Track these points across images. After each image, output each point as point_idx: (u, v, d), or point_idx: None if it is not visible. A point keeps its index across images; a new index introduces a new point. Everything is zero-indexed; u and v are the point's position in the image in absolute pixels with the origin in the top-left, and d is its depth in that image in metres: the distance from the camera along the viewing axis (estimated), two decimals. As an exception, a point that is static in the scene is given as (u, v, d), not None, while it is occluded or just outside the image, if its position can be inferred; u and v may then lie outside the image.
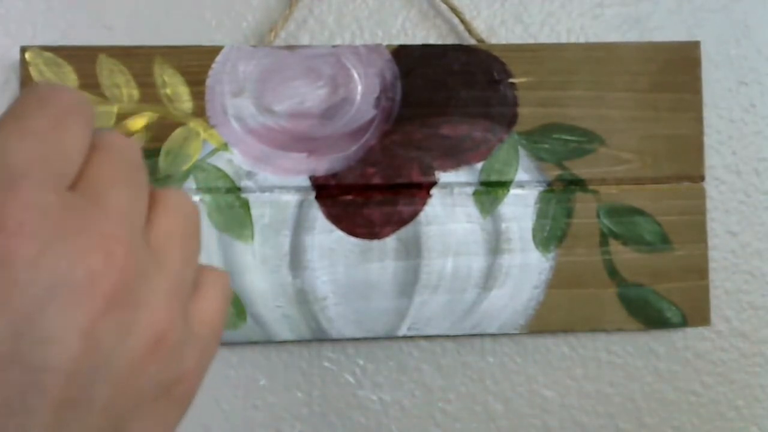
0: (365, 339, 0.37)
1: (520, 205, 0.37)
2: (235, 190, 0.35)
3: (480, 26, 0.39)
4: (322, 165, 0.36)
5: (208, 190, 0.35)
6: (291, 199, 0.36)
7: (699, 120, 0.37)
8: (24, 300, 0.15)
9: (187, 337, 0.19)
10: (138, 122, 0.34)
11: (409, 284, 0.36)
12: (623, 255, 0.37)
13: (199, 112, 0.35)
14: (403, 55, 0.36)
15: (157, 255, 0.19)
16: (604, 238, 0.37)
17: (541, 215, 0.37)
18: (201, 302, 0.21)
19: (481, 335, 0.38)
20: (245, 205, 0.35)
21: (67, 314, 0.16)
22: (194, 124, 0.35)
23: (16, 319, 0.15)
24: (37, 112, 0.18)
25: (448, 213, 0.36)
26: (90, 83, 0.35)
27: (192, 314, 0.20)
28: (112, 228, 0.17)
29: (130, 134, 0.33)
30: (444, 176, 0.36)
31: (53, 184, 0.17)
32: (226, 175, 0.35)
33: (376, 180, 0.36)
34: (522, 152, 0.37)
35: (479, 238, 0.36)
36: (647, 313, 0.37)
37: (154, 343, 0.18)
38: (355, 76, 0.36)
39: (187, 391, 0.20)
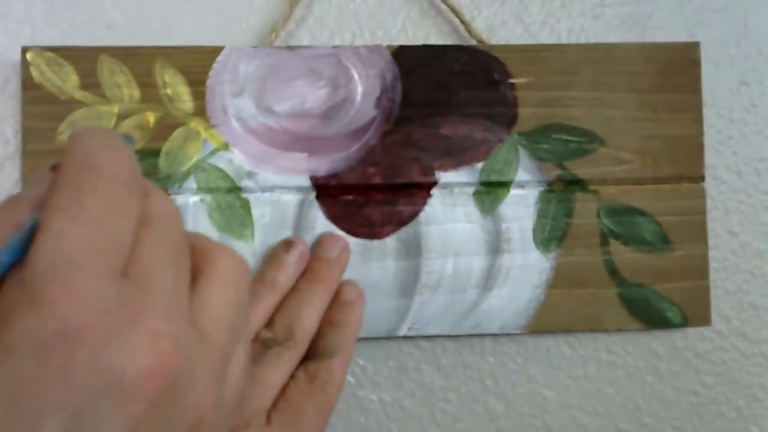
0: (365, 339, 0.37)
1: (521, 205, 0.37)
2: (235, 190, 0.35)
3: (480, 26, 0.39)
4: (323, 165, 0.36)
5: (209, 190, 0.35)
6: (291, 199, 0.36)
7: (699, 120, 0.37)
8: (79, 400, 0.16)
9: (221, 411, 0.19)
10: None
11: (409, 284, 0.36)
12: (624, 255, 0.37)
13: (200, 112, 0.35)
14: (403, 55, 0.36)
15: (203, 337, 0.19)
16: (605, 238, 0.37)
17: (541, 215, 0.37)
18: (231, 370, 0.21)
19: (482, 335, 0.38)
20: (246, 205, 0.35)
21: (118, 413, 0.16)
22: (195, 124, 0.35)
23: (68, 416, 0.16)
24: (93, 191, 0.17)
25: (449, 213, 0.36)
26: (91, 83, 0.35)
27: (225, 385, 0.20)
28: (161, 322, 0.17)
29: (148, 128, 0.33)
30: (444, 176, 0.36)
31: (109, 275, 0.17)
32: (226, 175, 0.35)
33: (377, 180, 0.36)
34: (522, 152, 0.37)
35: (479, 238, 0.36)
36: (648, 313, 0.37)
37: (192, 428, 0.18)
38: (356, 76, 0.36)
39: None
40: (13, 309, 0.16)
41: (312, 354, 0.33)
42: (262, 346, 0.31)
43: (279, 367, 0.31)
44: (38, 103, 0.34)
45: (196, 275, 0.20)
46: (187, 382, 0.18)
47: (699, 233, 0.37)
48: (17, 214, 0.18)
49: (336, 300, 0.34)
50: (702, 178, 0.37)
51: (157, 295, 0.18)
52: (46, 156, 0.34)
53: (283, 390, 0.31)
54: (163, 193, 0.20)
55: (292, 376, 0.32)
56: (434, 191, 0.36)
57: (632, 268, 0.37)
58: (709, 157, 0.39)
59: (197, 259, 0.20)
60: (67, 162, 0.18)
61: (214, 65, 0.36)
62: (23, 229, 0.17)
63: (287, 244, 0.34)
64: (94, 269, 0.16)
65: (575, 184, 0.37)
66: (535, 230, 0.37)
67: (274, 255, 0.34)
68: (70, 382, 0.16)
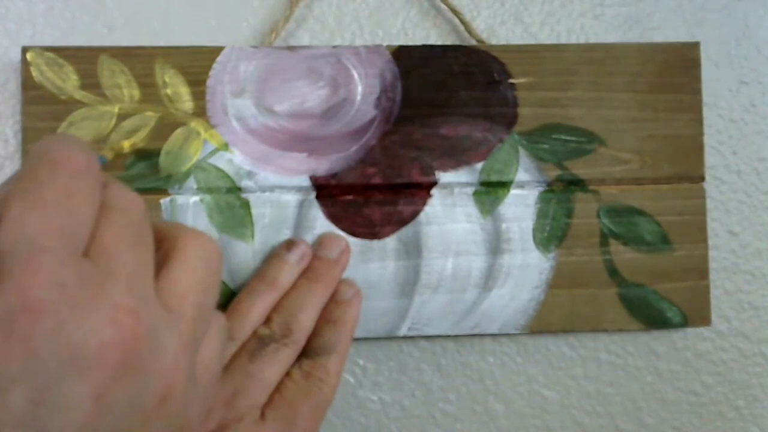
0: (365, 339, 0.37)
1: (521, 205, 0.37)
2: (235, 190, 0.35)
3: (480, 26, 0.39)
4: (323, 165, 0.36)
5: (209, 190, 0.35)
6: (291, 199, 0.36)
7: (699, 120, 0.37)
8: (42, 371, 0.17)
9: (191, 387, 0.20)
10: (126, 144, 0.34)
11: (409, 284, 0.36)
12: (623, 255, 0.37)
13: (200, 112, 0.35)
14: (403, 55, 0.36)
15: (169, 312, 0.20)
16: (605, 238, 0.37)
17: (541, 215, 0.37)
18: (203, 350, 0.21)
19: (481, 335, 0.38)
20: (246, 205, 0.35)
21: (81, 383, 0.17)
22: (195, 124, 0.35)
23: (34, 389, 0.16)
24: (50, 180, 0.18)
25: (449, 213, 0.36)
26: (91, 83, 0.35)
27: (197, 363, 0.21)
28: (121, 297, 0.18)
29: (121, 153, 0.34)
30: (444, 176, 0.36)
31: (69, 255, 0.18)
32: (226, 175, 0.35)
33: (377, 180, 0.36)
34: (522, 152, 0.37)
35: (479, 238, 0.36)
36: (647, 313, 0.37)
37: (162, 399, 0.19)
38: (356, 76, 0.36)
39: None
40: None
41: (308, 352, 0.33)
42: (259, 342, 0.32)
43: (275, 364, 0.31)
44: (38, 103, 0.34)
45: (165, 258, 0.21)
46: (152, 351, 0.18)
47: (699, 233, 0.37)
48: None
49: (333, 298, 0.34)
50: (702, 178, 0.37)
51: (118, 273, 0.18)
52: (46, 156, 0.34)
53: (279, 387, 0.32)
54: (123, 185, 0.21)
55: (288, 374, 0.32)
56: (434, 191, 0.36)
57: (632, 268, 0.37)
58: (709, 157, 0.39)
59: (167, 243, 0.21)
60: (28, 158, 0.19)
61: (214, 65, 0.36)
62: None
63: (289, 244, 0.34)
64: (55, 248, 0.17)
65: (575, 184, 0.37)
66: (535, 230, 0.37)
67: (275, 254, 0.35)
68: (33, 354, 0.16)
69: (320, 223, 0.36)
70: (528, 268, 0.36)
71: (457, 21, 0.38)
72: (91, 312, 0.17)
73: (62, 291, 0.17)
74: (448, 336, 0.37)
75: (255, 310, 0.32)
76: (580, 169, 0.37)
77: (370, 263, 0.36)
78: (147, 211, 0.21)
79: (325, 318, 0.33)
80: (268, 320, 0.32)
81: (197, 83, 0.35)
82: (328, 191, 0.36)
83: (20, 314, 0.16)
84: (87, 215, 0.19)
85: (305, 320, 0.33)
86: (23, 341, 0.16)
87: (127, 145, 0.34)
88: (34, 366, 0.16)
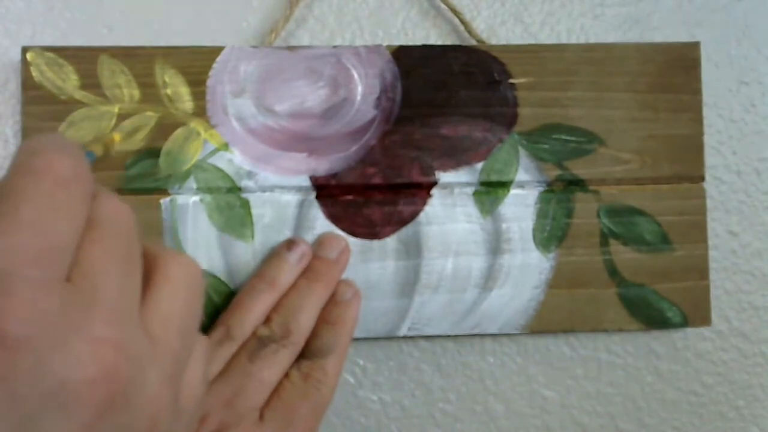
0: (365, 339, 0.37)
1: (521, 205, 0.37)
2: (235, 190, 0.35)
3: (480, 26, 0.39)
4: (323, 165, 0.36)
5: (209, 190, 0.35)
6: (291, 198, 0.36)
7: (699, 120, 0.37)
8: (23, 409, 0.16)
9: (176, 415, 0.19)
10: (116, 137, 0.33)
11: (409, 284, 0.36)
12: (623, 255, 0.37)
13: (200, 112, 0.35)
14: (403, 55, 0.36)
15: (153, 340, 0.19)
16: (605, 238, 0.37)
17: (541, 215, 0.37)
18: (187, 375, 0.21)
19: (481, 335, 0.38)
20: (246, 204, 0.35)
21: (64, 421, 0.16)
22: (195, 124, 0.35)
23: (15, 426, 0.16)
24: (32, 195, 0.17)
25: (449, 213, 0.36)
26: (91, 83, 0.35)
27: (181, 389, 0.20)
28: (105, 329, 0.17)
29: (112, 146, 0.32)
30: (444, 176, 0.36)
31: (50, 283, 0.17)
32: (226, 175, 0.35)
33: (377, 180, 0.36)
34: (522, 152, 0.37)
35: (479, 238, 0.36)
36: (647, 313, 0.37)
37: (147, 430, 0.18)
38: (356, 76, 0.36)
39: None
40: None
41: (306, 353, 0.33)
42: (258, 343, 0.32)
43: (274, 365, 0.31)
44: (38, 103, 0.34)
45: (147, 280, 0.20)
46: (136, 386, 0.18)
47: (699, 233, 0.37)
48: None
49: (332, 299, 0.34)
50: (702, 178, 0.37)
51: (102, 301, 0.17)
52: (46, 156, 0.34)
53: (277, 388, 0.32)
54: (113, 196, 0.20)
55: (287, 375, 0.32)
56: (434, 191, 0.36)
57: (632, 268, 0.37)
58: (709, 157, 0.39)
59: (149, 263, 0.20)
60: (9, 167, 0.18)
61: (214, 65, 0.36)
62: None
63: (290, 243, 0.34)
64: (34, 277, 0.16)
65: (575, 184, 0.37)
66: (535, 230, 0.37)
67: (276, 253, 0.35)
68: (14, 392, 0.16)
69: (320, 223, 0.36)
70: (528, 268, 0.36)
71: (457, 21, 0.38)
72: (73, 345, 0.16)
73: (42, 324, 0.16)
74: (448, 336, 0.37)
75: (255, 309, 0.32)
76: (580, 169, 0.37)
77: (370, 263, 0.36)
78: (136, 226, 0.20)
79: (324, 319, 0.33)
80: (267, 320, 0.32)
81: (197, 83, 0.35)
82: (328, 191, 0.36)
83: None
84: (71, 233, 0.17)
85: (304, 321, 0.32)
86: (2, 379, 0.16)
87: (117, 137, 0.33)
88: (14, 405, 0.16)
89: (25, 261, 0.16)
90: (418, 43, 0.39)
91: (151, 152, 0.35)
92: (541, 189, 0.37)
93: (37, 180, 0.17)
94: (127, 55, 0.35)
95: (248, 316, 0.32)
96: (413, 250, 0.36)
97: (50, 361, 0.16)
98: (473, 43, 0.38)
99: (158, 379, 0.18)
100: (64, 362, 0.16)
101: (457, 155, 0.36)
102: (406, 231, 0.36)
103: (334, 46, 0.36)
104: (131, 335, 0.18)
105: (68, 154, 0.18)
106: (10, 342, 0.16)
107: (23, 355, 0.16)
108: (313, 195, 0.36)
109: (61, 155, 0.18)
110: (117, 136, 0.33)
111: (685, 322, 0.37)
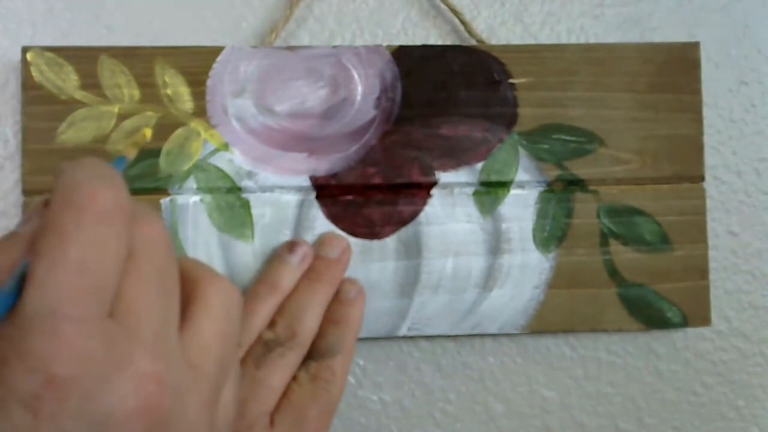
0: (365, 339, 0.37)
1: (520, 205, 0.37)
2: (235, 190, 0.35)
3: (480, 26, 0.39)
4: (323, 165, 0.36)
5: (209, 190, 0.35)
6: (291, 199, 0.36)
7: (699, 120, 0.37)
8: None
9: None
10: (147, 132, 0.33)
11: (409, 284, 0.36)
12: (623, 255, 0.37)
13: (200, 112, 0.35)
14: (403, 55, 0.36)
15: (193, 368, 0.19)
16: (605, 238, 0.37)
17: (541, 215, 0.37)
18: (223, 399, 0.21)
19: (481, 335, 0.38)
20: (246, 205, 0.35)
21: None
22: (195, 125, 0.35)
23: None
24: (75, 232, 0.17)
25: (449, 213, 0.36)
26: (91, 83, 0.35)
27: (217, 413, 0.21)
28: (147, 363, 0.18)
29: (140, 146, 0.32)
30: (444, 176, 0.36)
31: (94, 321, 0.17)
32: (226, 175, 0.35)
33: (377, 180, 0.36)
34: (522, 152, 0.37)
35: (479, 238, 0.36)
36: (647, 313, 0.37)
37: None
38: (356, 76, 0.36)
39: None
40: (1, 363, 0.16)
41: (313, 353, 0.33)
42: (264, 347, 0.31)
43: (281, 369, 0.31)
44: (38, 103, 0.34)
45: (187, 304, 0.20)
46: (176, 414, 0.18)
47: (699, 233, 0.37)
48: (11, 254, 0.18)
49: (336, 298, 0.34)
50: (702, 178, 0.37)
51: (144, 332, 0.18)
52: (46, 156, 0.34)
53: (286, 391, 0.31)
54: (150, 218, 0.20)
55: (294, 377, 0.32)
56: (434, 191, 0.36)
57: (632, 268, 0.37)
58: (709, 157, 0.39)
59: (188, 286, 0.21)
60: (53, 201, 0.18)
61: (214, 65, 0.36)
62: (14, 275, 0.17)
63: (291, 245, 0.34)
64: (78, 316, 0.17)
65: (575, 184, 0.37)
66: (534, 230, 0.37)
67: (277, 256, 0.34)
68: (62, 428, 0.16)
69: (320, 223, 0.36)
70: (528, 268, 0.36)
71: (457, 21, 0.38)
72: (118, 382, 0.17)
73: (87, 364, 0.17)
74: (448, 336, 0.37)
75: (259, 314, 0.32)
76: (580, 169, 0.37)
77: (370, 263, 0.36)
78: (171, 248, 0.20)
79: (329, 318, 0.33)
80: (272, 324, 0.32)
81: (197, 83, 0.35)
82: (328, 191, 0.36)
83: (46, 392, 0.16)
84: (113, 268, 0.18)
85: (309, 322, 0.32)
86: (51, 419, 0.16)
87: (148, 133, 0.33)
88: None
89: (71, 299, 0.17)
90: (418, 43, 0.39)
91: (151, 152, 0.35)
92: (541, 189, 0.37)
93: (80, 216, 0.18)
94: (127, 55, 0.35)
95: (253, 321, 0.32)
96: (413, 250, 0.36)
97: (96, 398, 0.17)
98: (473, 43, 0.38)
99: (196, 406, 0.19)
100: (110, 398, 0.17)
101: (457, 155, 0.36)
102: (406, 231, 0.36)
103: (334, 46, 0.36)
104: (172, 366, 0.18)
105: (108, 185, 0.18)
106: (59, 383, 0.16)
107: (70, 394, 0.16)
108: (313, 195, 0.36)
109: (102, 187, 0.18)
110: (148, 132, 0.33)
111: (685, 322, 0.37)
